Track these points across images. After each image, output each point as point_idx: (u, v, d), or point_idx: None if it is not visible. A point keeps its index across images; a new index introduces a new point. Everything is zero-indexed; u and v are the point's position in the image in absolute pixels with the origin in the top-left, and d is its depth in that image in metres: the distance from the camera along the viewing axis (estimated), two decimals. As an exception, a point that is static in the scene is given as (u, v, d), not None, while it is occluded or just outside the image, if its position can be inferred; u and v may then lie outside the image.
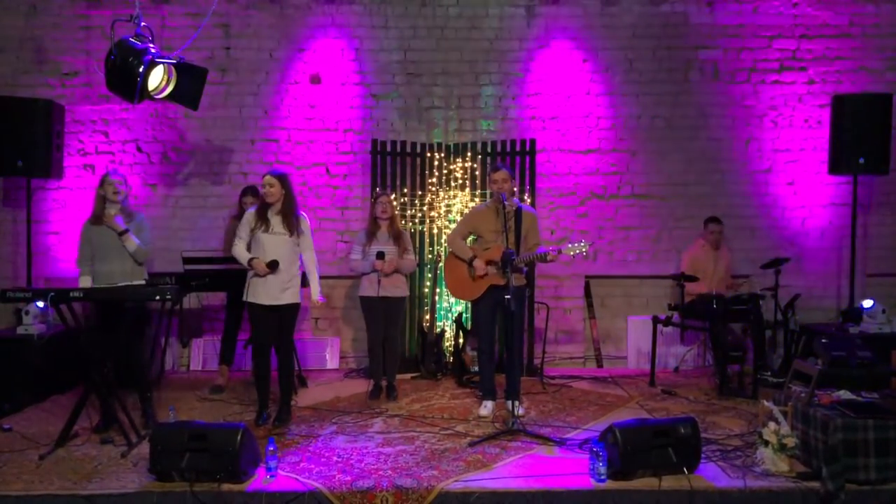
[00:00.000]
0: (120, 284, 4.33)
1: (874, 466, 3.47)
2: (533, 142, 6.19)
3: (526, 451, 3.97)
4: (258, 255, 4.39)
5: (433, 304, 6.04)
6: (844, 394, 3.89)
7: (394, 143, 6.24)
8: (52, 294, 3.87)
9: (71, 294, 3.93)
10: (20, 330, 5.31)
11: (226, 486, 3.42)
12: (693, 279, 5.62)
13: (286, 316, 4.52)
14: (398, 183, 6.20)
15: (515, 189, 5.80)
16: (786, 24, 6.41)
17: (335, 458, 3.85)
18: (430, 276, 6.13)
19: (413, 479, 3.52)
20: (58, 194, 6.28)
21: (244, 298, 4.47)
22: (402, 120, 6.43)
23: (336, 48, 6.37)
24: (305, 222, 4.59)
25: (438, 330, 6.02)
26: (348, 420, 4.62)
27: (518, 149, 6.19)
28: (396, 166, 6.21)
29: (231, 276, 5.07)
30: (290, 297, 4.49)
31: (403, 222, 6.04)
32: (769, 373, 5.65)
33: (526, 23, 6.41)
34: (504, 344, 5.09)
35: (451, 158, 6.24)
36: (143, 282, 4.53)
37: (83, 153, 6.31)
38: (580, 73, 6.43)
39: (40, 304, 5.22)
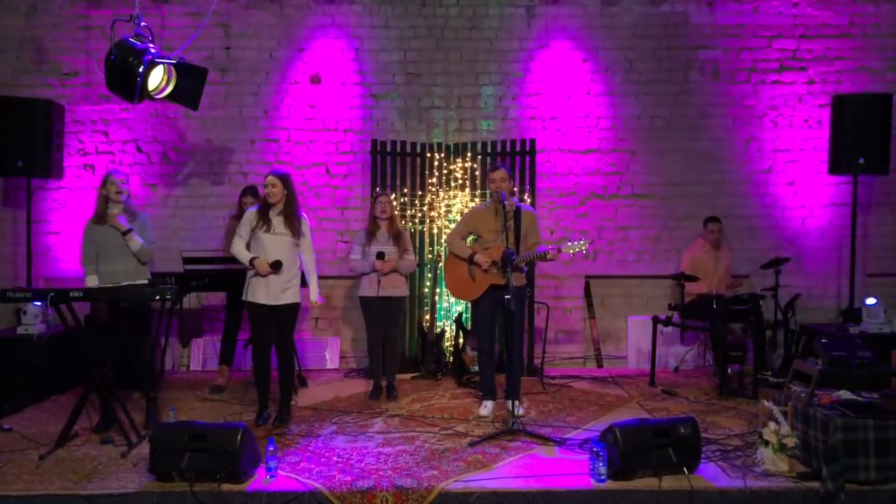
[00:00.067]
0: (123, 284, 4.33)
1: (874, 466, 3.47)
2: (533, 142, 6.19)
3: (526, 451, 3.97)
4: (258, 255, 4.39)
5: (433, 304, 6.04)
6: (844, 394, 3.89)
7: (394, 143, 6.24)
8: (52, 294, 3.87)
9: (71, 294, 3.93)
10: (20, 330, 5.31)
11: (226, 486, 3.42)
12: (693, 279, 5.62)
13: (287, 316, 4.52)
14: (398, 183, 6.20)
15: (515, 189, 5.81)
16: (786, 24, 6.41)
17: (335, 458, 3.85)
18: (430, 276, 6.13)
19: (413, 479, 3.52)
20: (58, 194, 6.28)
21: (243, 298, 4.47)
22: (402, 120, 6.43)
23: (336, 48, 6.37)
24: (306, 223, 4.59)
25: (438, 330, 6.02)
26: (348, 420, 4.62)
27: (518, 149, 6.19)
28: (396, 166, 6.21)
29: (231, 276, 5.08)
30: (290, 296, 4.49)
31: (403, 222, 6.04)
32: (769, 373, 5.65)
33: (526, 23, 6.41)
34: (504, 344, 5.09)
35: (451, 158, 6.24)
36: (146, 281, 4.53)
37: (83, 153, 6.31)
38: (580, 73, 6.43)
39: (37, 303, 5.22)
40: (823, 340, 4.08)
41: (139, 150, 6.33)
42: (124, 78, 3.96)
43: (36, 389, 5.10)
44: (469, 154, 6.21)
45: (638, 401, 5.15)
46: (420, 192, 6.22)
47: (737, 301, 5.38)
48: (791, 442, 3.62)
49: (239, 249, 4.45)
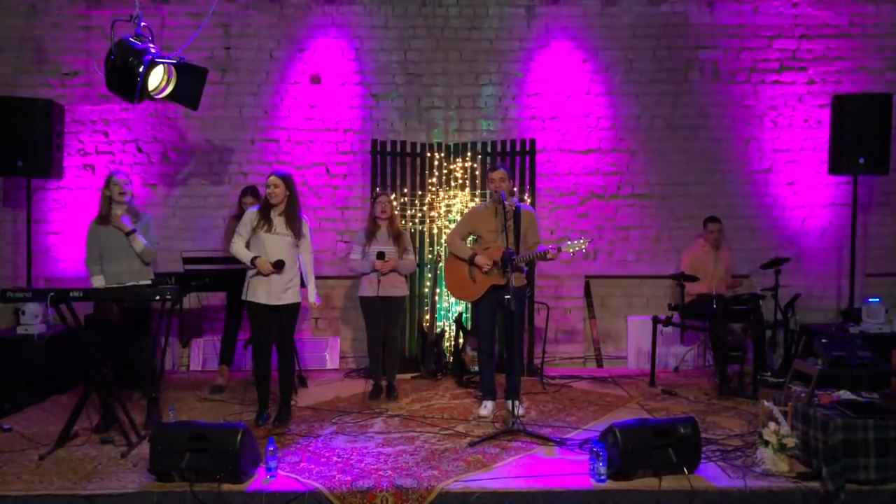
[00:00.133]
0: (128, 284, 4.34)
1: (874, 466, 3.47)
2: (533, 142, 6.19)
3: (526, 452, 3.97)
4: (259, 255, 4.39)
5: (433, 304, 6.04)
6: (844, 394, 3.89)
7: (394, 143, 6.24)
8: (52, 294, 3.87)
9: (71, 294, 3.93)
10: (20, 330, 5.31)
11: (226, 486, 3.42)
12: (693, 279, 5.62)
13: (287, 316, 4.52)
14: (398, 183, 6.20)
15: (515, 189, 5.81)
16: (786, 24, 6.41)
17: (335, 458, 3.85)
18: (430, 276, 6.13)
19: (413, 479, 3.52)
20: (58, 194, 6.28)
21: (243, 297, 4.47)
22: (402, 120, 6.43)
23: (336, 48, 6.37)
24: (306, 225, 4.60)
25: (438, 330, 6.02)
26: (348, 420, 4.62)
27: (518, 149, 6.19)
28: (396, 166, 6.21)
29: (231, 276, 5.07)
30: (291, 296, 4.49)
31: (403, 222, 6.04)
32: (769, 373, 5.65)
33: (526, 23, 6.41)
34: (504, 344, 5.09)
35: (451, 158, 6.24)
36: (149, 282, 4.54)
37: (83, 153, 6.31)
38: (580, 73, 6.43)
39: (32, 305, 5.24)
40: (823, 340, 4.08)
41: (139, 150, 6.33)
42: (124, 78, 3.96)
43: (36, 389, 5.10)
44: (469, 154, 6.21)
45: (638, 401, 5.15)
46: (420, 192, 6.22)
47: (737, 301, 5.38)
48: (791, 442, 3.62)
49: (239, 248, 4.44)
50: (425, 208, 6.22)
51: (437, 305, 6.12)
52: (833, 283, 6.45)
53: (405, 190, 6.21)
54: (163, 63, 4.17)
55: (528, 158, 6.16)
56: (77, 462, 3.81)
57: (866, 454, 3.47)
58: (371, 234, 5.18)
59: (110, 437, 4.14)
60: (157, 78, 4.20)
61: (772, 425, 3.68)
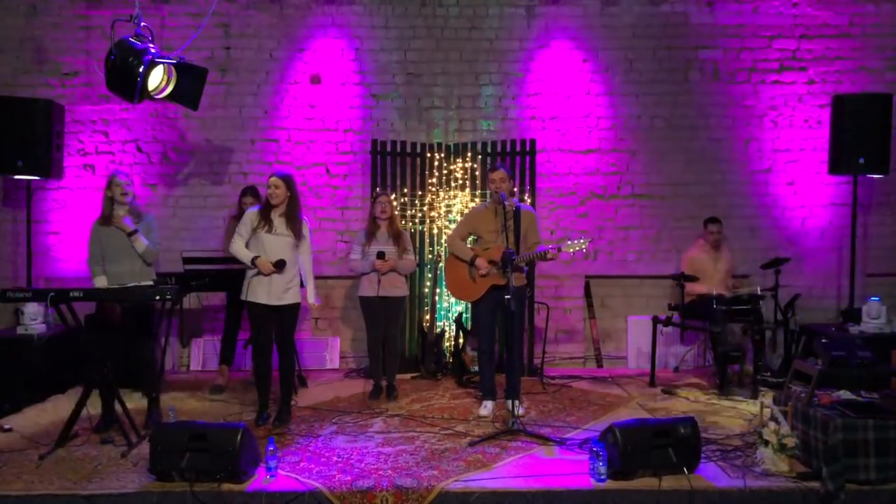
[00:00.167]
0: (130, 285, 4.34)
1: (874, 466, 3.47)
2: (533, 142, 6.19)
3: (526, 451, 3.97)
4: (259, 255, 4.39)
5: (433, 304, 6.04)
6: (844, 394, 3.89)
7: (394, 143, 6.24)
8: (52, 294, 3.87)
9: (71, 294, 3.92)
10: (20, 330, 5.31)
11: (226, 486, 3.42)
12: (693, 279, 5.62)
13: (288, 316, 4.52)
14: (398, 183, 6.20)
15: (515, 189, 5.82)
16: (786, 24, 6.41)
17: (335, 458, 3.85)
18: (430, 276, 6.13)
19: (413, 478, 3.52)
20: (58, 194, 6.28)
21: (243, 297, 4.47)
22: (402, 120, 6.43)
23: (336, 48, 6.37)
24: (306, 226, 4.60)
25: (438, 330, 6.02)
26: (348, 420, 4.62)
27: (518, 149, 6.19)
28: (396, 166, 6.21)
29: (231, 276, 5.07)
30: (292, 297, 4.50)
31: (403, 222, 6.04)
32: (769, 373, 5.65)
33: (526, 23, 6.41)
34: (504, 344, 5.09)
35: (451, 158, 6.24)
36: (151, 282, 4.54)
37: (83, 153, 6.31)
38: (580, 73, 6.43)
39: (32, 305, 5.25)
40: (823, 340, 4.08)
41: (139, 150, 6.33)
42: (124, 78, 3.96)
43: (36, 389, 5.10)
44: (469, 154, 6.21)
45: (638, 401, 5.15)
46: (420, 192, 6.22)
47: (737, 301, 5.38)
48: (791, 442, 3.62)
49: (238, 248, 4.44)
50: (425, 208, 6.22)
51: (437, 305, 6.12)
52: (833, 283, 6.45)
53: (405, 190, 6.21)
54: (163, 63, 4.17)
55: (528, 158, 6.16)
56: (77, 462, 3.81)
57: (866, 454, 3.47)
58: (371, 234, 5.18)
59: (110, 437, 4.14)
60: (157, 78, 4.20)
61: (772, 425, 3.68)
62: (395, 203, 5.66)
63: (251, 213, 4.51)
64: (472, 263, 4.67)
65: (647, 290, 6.49)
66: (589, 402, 5.12)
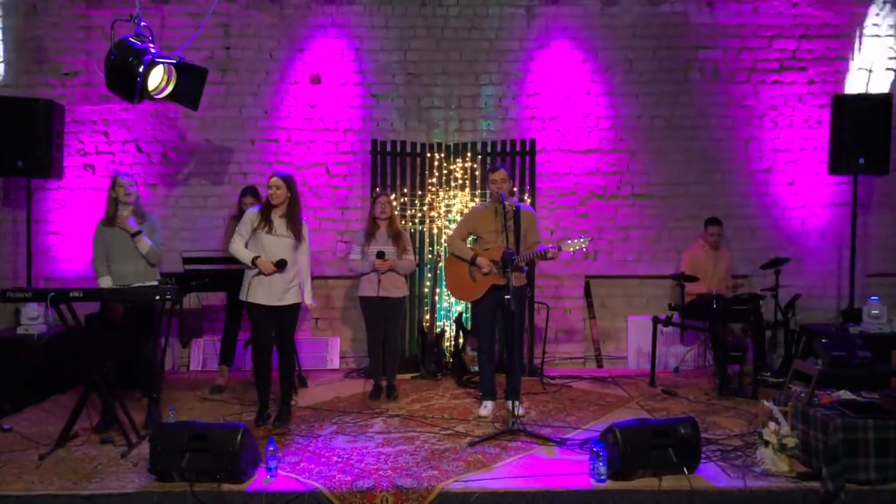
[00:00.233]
0: (134, 286, 4.35)
1: (874, 466, 3.47)
2: (533, 142, 6.19)
3: (526, 452, 3.97)
4: (259, 255, 4.39)
5: (433, 304, 6.03)
6: (844, 394, 3.89)
7: (394, 143, 6.24)
8: (52, 294, 3.87)
9: (71, 294, 3.92)
10: (20, 330, 5.31)
11: (226, 486, 3.42)
12: (693, 279, 5.62)
13: (288, 316, 4.52)
14: (398, 183, 6.20)
15: (515, 189, 5.82)
16: (786, 24, 6.41)
17: (335, 458, 3.85)
18: (430, 276, 6.13)
19: (413, 479, 3.52)
20: (58, 194, 6.28)
21: (242, 298, 4.46)
22: (402, 120, 6.43)
23: (336, 48, 6.37)
24: (306, 227, 4.61)
25: (438, 330, 6.02)
26: (348, 420, 4.62)
27: (518, 149, 6.19)
28: (396, 166, 6.21)
29: (231, 277, 5.07)
30: (292, 297, 4.50)
31: (403, 222, 6.04)
32: (769, 373, 5.66)
33: (526, 23, 6.40)
34: (504, 344, 5.09)
35: (451, 158, 6.24)
36: (155, 282, 4.53)
37: (83, 153, 6.31)
38: (580, 73, 6.43)
39: (32, 305, 5.25)
40: (823, 340, 4.08)
41: (139, 150, 6.33)
42: (124, 78, 3.96)
43: (36, 389, 5.10)
44: (469, 154, 6.21)
45: (638, 401, 5.15)
46: (420, 192, 6.22)
47: (737, 301, 5.38)
48: (791, 442, 3.62)
49: (238, 248, 4.44)
50: (425, 208, 6.22)
51: (437, 305, 6.12)
52: (833, 283, 6.45)
53: (405, 190, 6.21)
54: (163, 63, 4.17)
55: (528, 158, 6.16)
56: (77, 462, 3.81)
57: (866, 454, 3.47)
58: (370, 235, 5.18)
59: (110, 437, 4.14)
60: (157, 78, 4.20)
61: (772, 425, 3.69)
62: (394, 203, 5.66)
63: (251, 214, 4.50)
64: (472, 263, 4.67)
65: (647, 290, 6.49)
66: (589, 403, 5.12)
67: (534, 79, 6.42)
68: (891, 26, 6.37)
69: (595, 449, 3.53)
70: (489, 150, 6.20)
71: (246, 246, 4.46)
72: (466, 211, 5.79)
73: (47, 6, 6.25)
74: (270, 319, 4.46)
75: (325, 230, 6.36)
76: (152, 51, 4.02)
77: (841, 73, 6.41)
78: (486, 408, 4.73)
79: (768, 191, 6.46)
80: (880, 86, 6.32)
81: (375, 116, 6.41)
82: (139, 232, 4.43)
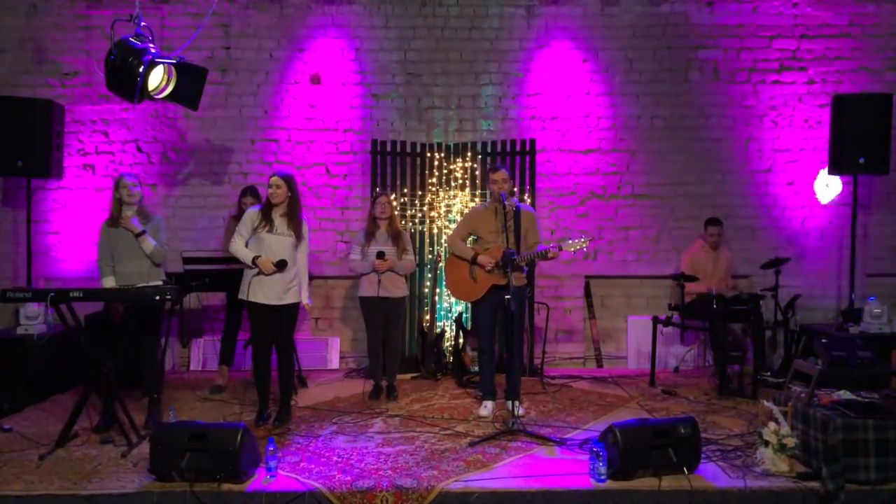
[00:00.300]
0: (139, 285, 4.35)
1: (874, 466, 3.47)
2: (533, 142, 6.19)
3: (526, 452, 3.97)
4: (259, 255, 4.39)
5: (433, 304, 6.04)
6: (844, 394, 3.89)
7: (394, 143, 6.24)
8: (52, 294, 3.87)
9: (71, 294, 3.93)
10: (20, 330, 5.31)
11: (226, 486, 3.42)
12: (693, 279, 5.62)
13: (288, 316, 4.52)
14: (398, 183, 6.20)
15: (515, 189, 5.81)
16: (786, 24, 6.41)
17: (335, 458, 3.85)
18: (430, 276, 6.13)
19: (413, 479, 3.52)
20: (58, 194, 6.28)
21: (242, 297, 4.46)
22: (402, 120, 6.43)
23: (336, 48, 6.37)
24: (306, 227, 4.60)
25: (438, 330, 6.02)
26: (348, 420, 4.62)
27: (518, 149, 6.19)
28: (396, 166, 6.21)
29: (231, 277, 5.06)
30: (292, 297, 4.50)
31: (403, 222, 6.04)
32: (769, 373, 5.65)
33: (526, 23, 6.40)
34: (504, 344, 5.09)
35: (451, 158, 6.24)
36: (160, 283, 4.54)
37: (83, 153, 6.31)
38: (580, 73, 6.43)
39: (30, 306, 5.26)
40: (823, 340, 4.08)
41: (139, 150, 6.33)
42: (124, 78, 3.96)
43: (36, 389, 5.10)
44: (469, 154, 6.21)
45: (638, 401, 5.15)
46: (420, 192, 6.22)
47: (737, 301, 5.37)
48: (791, 442, 3.62)
49: (238, 248, 4.44)
50: (425, 208, 6.22)
51: (437, 305, 6.12)
52: (833, 283, 6.45)
53: (405, 190, 6.21)
54: (163, 63, 4.17)
55: (528, 158, 6.16)
56: (77, 462, 3.81)
57: (866, 454, 3.47)
58: (370, 235, 5.18)
59: (110, 437, 4.14)
60: (157, 78, 4.20)
61: (772, 425, 3.69)
62: (395, 203, 5.66)
63: (251, 213, 4.50)
64: (473, 262, 4.67)
65: (647, 290, 6.49)
66: (589, 403, 5.12)
67: (534, 79, 6.42)
68: (891, 26, 6.37)
69: (595, 449, 3.53)
70: (489, 150, 6.20)
71: (246, 245, 4.46)
72: (466, 211, 5.79)
73: (47, 6, 6.25)
74: (270, 319, 4.46)
75: (325, 230, 6.36)
76: (152, 51, 4.03)
77: (841, 73, 6.41)
78: (486, 408, 4.73)
79: (768, 191, 6.46)
80: (880, 86, 6.32)
81: (375, 116, 6.41)
82: (143, 232, 4.45)
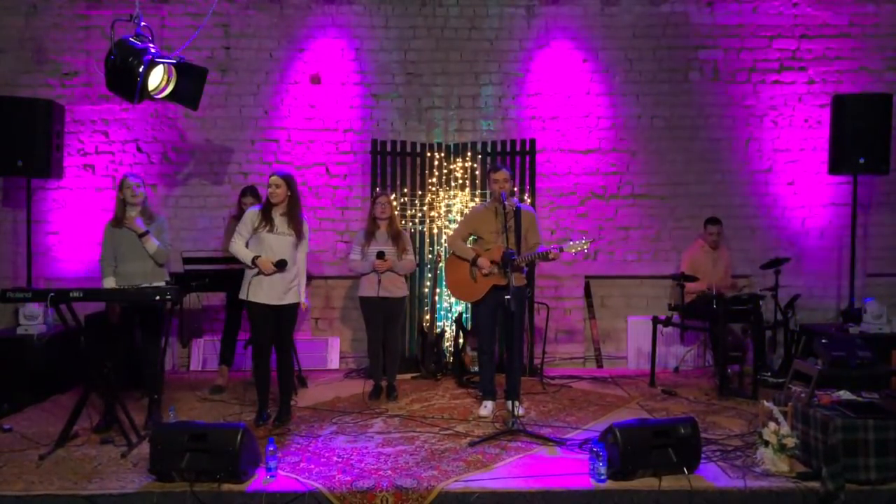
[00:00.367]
0: (142, 286, 4.35)
1: (874, 466, 3.47)
2: (533, 142, 6.19)
3: (526, 452, 3.97)
4: (259, 254, 4.39)
5: (433, 304, 6.03)
6: (844, 394, 3.89)
7: (394, 143, 6.24)
8: (52, 294, 3.87)
9: (71, 294, 3.93)
10: (20, 330, 5.31)
11: (226, 486, 3.42)
12: (693, 279, 5.62)
13: (288, 316, 4.52)
14: (398, 183, 6.20)
15: (515, 189, 5.81)
16: (786, 24, 6.41)
17: (335, 458, 3.85)
18: (430, 276, 6.13)
19: (413, 479, 3.52)
20: (58, 194, 6.28)
21: (243, 297, 4.46)
22: (402, 120, 6.43)
23: (336, 48, 6.37)
24: (307, 226, 4.60)
25: (438, 330, 6.02)
26: (348, 420, 4.62)
27: (518, 149, 6.19)
28: (396, 166, 6.21)
29: (231, 277, 5.07)
30: (292, 296, 4.50)
31: (403, 222, 6.04)
32: (769, 373, 5.65)
33: (526, 23, 6.40)
34: (504, 344, 5.09)
35: (451, 158, 6.24)
36: (163, 283, 4.54)
37: (83, 153, 6.31)
38: (580, 73, 6.43)
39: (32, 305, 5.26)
40: (823, 340, 4.08)
41: (139, 150, 6.33)
42: (124, 78, 3.96)
43: (36, 389, 5.10)
44: (469, 154, 6.21)
45: (638, 401, 5.15)
46: (420, 192, 6.22)
47: (737, 301, 5.38)
48: (791, 442, 3.62)
49: (238, 248, 4.44)
50: (425, 208, 6.22)
51: (437, 305, 6.11)
52: (833, 283, 6.45)
53: (405, 190, 6.21)
54: (163, 63, 4.17)
55: (528, 158, 6.16)
56: (77, 462, 3.81)
57: (866, 454, 3.47)
58: (370, 235, 5.18)
59: (110, 437, 4.14)
60: (157, 78, 4.21)
61: (772, 425, 3.68)
62: (395, 203, 5.66)
63: (252, 213, 4.50)
64: (474, 263, 4.67)
65: (647, 290, 6.49)
66: (589, 403, 5.12)
67: (534, 79, 6.42)
68: (891, 26, 6.37)
69: (595, 449, 3.53)
70: (489, 150, 6.20)
71: (246, 245, 4.46)
72: (466, 211, 5.79)
73: (47, 6, 6.25)
74: (270, 319, 4.46)
75: (325, 230, 6.36)
76: (152, 51, 4.03)
77: (841, 73, 6.41)
78: (486, 408, 4.73)
79: (768, 191, 6.46)
80: (880, 86, 6.32)
81: (375, 116, 6.41)
82: (147, 232, 4.45)
